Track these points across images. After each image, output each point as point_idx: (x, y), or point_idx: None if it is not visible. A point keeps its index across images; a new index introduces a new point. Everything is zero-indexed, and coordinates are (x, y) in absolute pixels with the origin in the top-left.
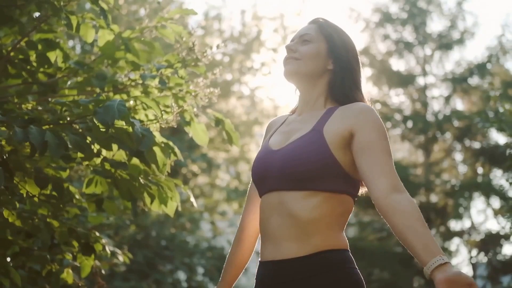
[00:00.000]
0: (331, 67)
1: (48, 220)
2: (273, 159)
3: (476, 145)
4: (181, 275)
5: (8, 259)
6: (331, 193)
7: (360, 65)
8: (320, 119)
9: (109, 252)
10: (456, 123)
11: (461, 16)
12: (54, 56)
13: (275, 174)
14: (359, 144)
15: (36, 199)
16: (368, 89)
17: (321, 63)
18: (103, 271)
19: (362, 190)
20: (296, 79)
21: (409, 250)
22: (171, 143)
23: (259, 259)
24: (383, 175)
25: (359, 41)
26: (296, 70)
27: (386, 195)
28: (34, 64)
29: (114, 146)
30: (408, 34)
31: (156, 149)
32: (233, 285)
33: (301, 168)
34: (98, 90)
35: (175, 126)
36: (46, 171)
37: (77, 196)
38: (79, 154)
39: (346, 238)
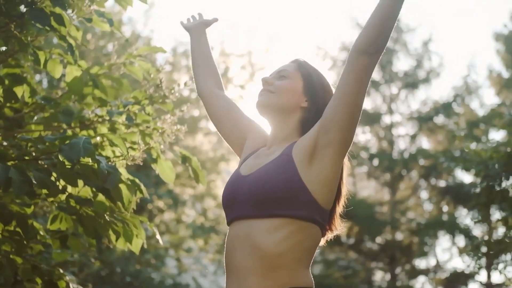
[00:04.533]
0: (305, 105)
1: (11, 256)
2: (242, 184)
3: (442, 183)
4: None
5: None
6: (299, 221)
7: None
8: (290, 145)
9: None
10: (422, 162)
11: (427, 56)
12: (21, 91)
13: (243, 198)
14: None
15: None
16: None
17: (294, 99)
18: None
19: (331, 235)
20: (268, 111)
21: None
22: (137, 180)
23: None
24: None
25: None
26: (268, 103)
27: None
28: (1, 99)
29: (80, 183)
30: (374, 73)
31: (122, 186)
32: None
33: (269, 192)
34: (64, 125)
35: (141, 164)
36: (10, 207)
37: (41, 233)
38: (44, 191)
39: (312, 276)
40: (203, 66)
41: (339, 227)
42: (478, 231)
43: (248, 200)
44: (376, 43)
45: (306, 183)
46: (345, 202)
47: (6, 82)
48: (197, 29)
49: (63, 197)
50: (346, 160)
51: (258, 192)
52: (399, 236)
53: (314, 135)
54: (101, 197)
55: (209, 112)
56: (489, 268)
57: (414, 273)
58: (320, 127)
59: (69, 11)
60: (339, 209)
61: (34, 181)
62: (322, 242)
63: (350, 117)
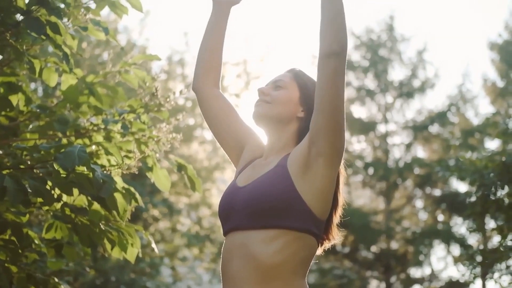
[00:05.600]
0: (302, 115)
1: (6, 265)
2: (238, 195)
3: (437, 192)
4: None
5: None
6: (294, 232)
7: None
8: (284, 156)
9: None
10: (417, 171)
11: (422, 66)
12: (16, 99)
13: (239, 210)
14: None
15: None
16: None
17: (291, 110)
18: None
19: (328, 244)
20: (264, 122)
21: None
22: (132, 189)
23: None
24: None
25: None
26: (265, 113)
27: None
28: None
29: (75, 191)
30: (369, 82)
31: (117, 195)
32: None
33: (265, 203)
34: (60, 134)
35: (137, 173)
36: (5, 216)
37: (36, 241)
38: (39, 199)
39: (308, 286)
40: (215, 56)
41: (337, 237)
42: (473, 240)
43: (244, 211)
44: (337, 41)
45: (301, 193)
46: (341, 211)
47: (1, 90)
48: (223, 5)
49: (58, 205)
50: (342, 169)
51: (254, 203)
52: (394, 245)
53: (305, 146)
54: (96, 206)
55: (206, 114)
56: (484, 277)
57: (409, 282)
58: (309, 139)
59: (65, 19)
60: (336, 219)
61: (29, 190)
62: (320, 251)
63: (333, 123)
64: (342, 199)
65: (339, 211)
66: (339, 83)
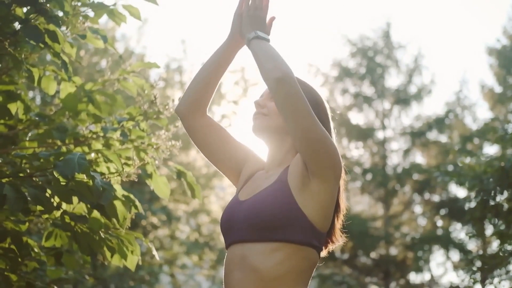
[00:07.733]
0: None
1: (6, 273)
2: (239, 209)
3: (436, 198)
4: None
5: None
6: (295, 245)
7: (331, 120)
8: (284, 170)
9: None
10: (415, 176)
11: (418, 72)
12: (15, 108)
13: (240, 223)
14: None
15: None
16: None
17: None
18: None
19: (331, 247)
20: (264, 134)
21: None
22: (132, 196)
23: None
24: None
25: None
26: (263, 126)
27: None
28: None
29: (75, 199)
30: (366, 88)
31: (116, 202)
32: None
33: (266, 217)
34: (59, 142)
35: (136, 180)
36: (5, 224)
37: (36, 250)
38: (39, 207)
39: None
40: (212, 86)
41: (340, 239)
42: (472, 245)
43: (245, 224)
44: (276, 69)
45: (303, 208)
46: (344, 216)
47: (0, 99)
48: (240, 41)
49: (58, 213)
50: (342, 173)
51: (255, 217)
52: (393, 251)
53: (301, 162)
54: (96, 213)
55: (200, 144)
56: (483, 282)
57: (409, 287)
58: (302, 160)
59: (63, 28)
60: (339, 223)
61: (28, 198)
62: (324, 253)
63: (313, 143)
64: (343, 204)
65: (341, 216)
66: (299, 105)
